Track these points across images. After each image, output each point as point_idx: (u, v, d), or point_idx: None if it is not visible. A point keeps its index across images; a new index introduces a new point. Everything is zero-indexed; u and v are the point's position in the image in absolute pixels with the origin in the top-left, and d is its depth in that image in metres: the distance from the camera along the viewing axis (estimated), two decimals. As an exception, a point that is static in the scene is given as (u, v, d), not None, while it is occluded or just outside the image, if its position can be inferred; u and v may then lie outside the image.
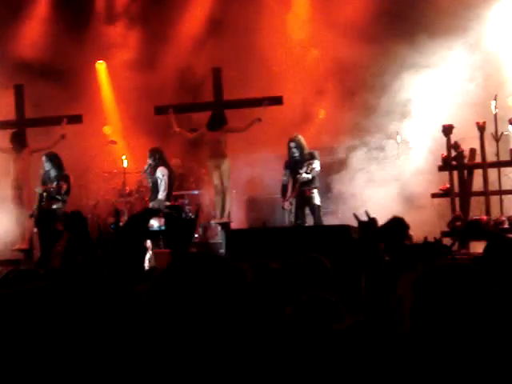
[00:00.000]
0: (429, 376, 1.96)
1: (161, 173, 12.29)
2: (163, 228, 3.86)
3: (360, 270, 3.54)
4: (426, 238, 4.33)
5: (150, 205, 12.15)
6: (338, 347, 2.03)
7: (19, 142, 13.10)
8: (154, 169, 12.36)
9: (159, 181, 12.26)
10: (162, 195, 12.21)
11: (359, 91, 13.06)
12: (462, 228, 10.12)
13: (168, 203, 12.10)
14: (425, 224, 9.43)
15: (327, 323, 2.43)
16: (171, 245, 4.64)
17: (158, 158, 12.41)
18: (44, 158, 12.29)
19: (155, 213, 5.12)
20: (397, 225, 4.06)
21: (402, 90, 12.50)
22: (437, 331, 2.00)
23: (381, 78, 12.57)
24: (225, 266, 2.14)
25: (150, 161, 12.43)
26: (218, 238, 13.07)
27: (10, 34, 14.44)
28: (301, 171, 11.36)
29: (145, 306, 2.14)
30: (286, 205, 11.52)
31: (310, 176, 11.36)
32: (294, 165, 11.63)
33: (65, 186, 12.09)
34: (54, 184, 12.07)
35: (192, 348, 2.00)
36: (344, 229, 8.27)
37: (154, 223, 10.17)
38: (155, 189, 12.31)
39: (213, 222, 13.11)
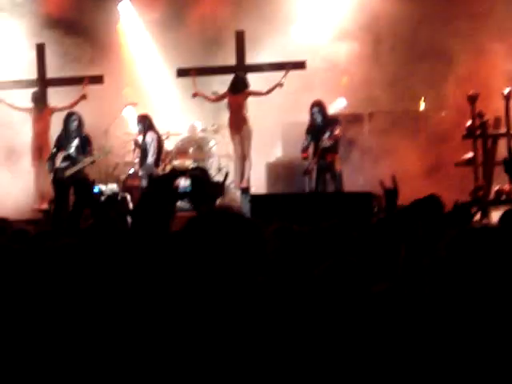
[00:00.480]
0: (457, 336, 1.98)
1: (150, 137, 12.40)
2: (189, 189, 3.83)
3: (393, 240, 3.55)
4: (457, 202, 4.27)
5: (140, 172, 12.31)
6: (379, 308, 2.01)
7: (40, 102, 13.16)
8: (143, 135, 12.47)
9: (148, 146, 12.38)
10: (150, 160, 12.35)
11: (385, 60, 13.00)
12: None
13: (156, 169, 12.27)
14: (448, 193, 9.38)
15: (357, 287, 2.42)
16: (197, 206, 4.61)
17: (148, 124, 12.51)
18: (70, 118, 12.26)
19: (181, 174, 5.09)
20: (434, 204, 4.03)
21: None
22: (467, 295, 2.00)
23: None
24: (245, 223, 2.20)
25: (139, 127, 12.59)
26: (238, 202, 13.07)
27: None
28: (323, 137, 11.34)
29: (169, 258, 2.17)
30: (310, 164, 11.50)
31: (331, 142, 11.35)
32: (316, 130, 11.64)
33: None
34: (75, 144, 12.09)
35: (210, 300, 2.05)
36: (366, 196, 8.23)
37: (181, 184, 10.18)
38: (144, 154, 12.41)
39: (233, 186, 13.11)
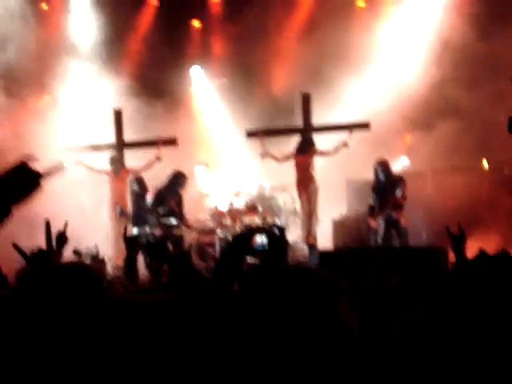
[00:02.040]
0: None
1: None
2: (266, 247, 4.11)
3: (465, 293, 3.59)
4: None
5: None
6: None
7: (117, 164, 13.80)
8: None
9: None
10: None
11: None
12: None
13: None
14: None
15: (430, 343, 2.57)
16: (272, 263, 4.94)
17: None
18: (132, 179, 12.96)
19: (260, 231, 5.44)
20: (507, 261, 4.03)
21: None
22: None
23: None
24: (325, 280, 2.40)
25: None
26: (305, 258, 13.38)
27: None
28: (396, 193, 11.68)
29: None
30: (374, 223, 11.85)
31: (403, 201, 11.72)
32: (381, 188, 11.96)
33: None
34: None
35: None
36: (433, 251, 8.38)
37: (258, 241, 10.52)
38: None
39: (299, 242, 13.45)
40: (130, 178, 13.35)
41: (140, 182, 13.12)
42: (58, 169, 2.28)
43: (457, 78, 13.00)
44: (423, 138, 13.58)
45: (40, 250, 3.93)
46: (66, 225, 4.07)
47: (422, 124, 13.82)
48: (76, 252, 10.13)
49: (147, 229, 12.56)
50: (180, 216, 12.75)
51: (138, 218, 12.81)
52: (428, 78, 13.57)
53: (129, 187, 13.39)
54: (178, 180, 12.85)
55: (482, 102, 12.70)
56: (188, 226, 12.87)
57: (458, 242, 4.25)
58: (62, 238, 4.08)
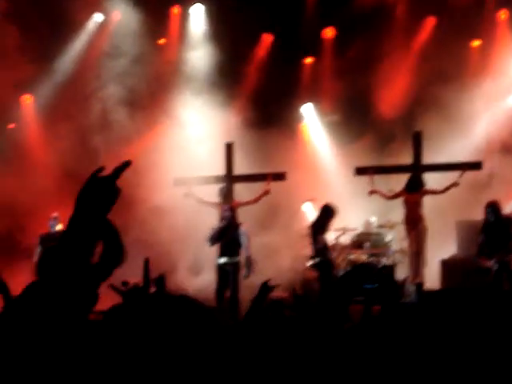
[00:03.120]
0: None
1: None
2: (375, 286, 4.14)
3: None
4: None
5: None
6: None
7: (227, 197, 13.86)
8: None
9: None
10: None
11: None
12: None
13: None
14: None
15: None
16: (382, 301, 4.99)
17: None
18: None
19: (368, 270, 5.51)
20: None
21: None
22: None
23: None
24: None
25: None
26: (412, 298, 13.22)
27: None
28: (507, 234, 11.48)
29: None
30: (488, 263, 11.61)
31: None
32: (491, 229, 11.76)
33: None
34: None
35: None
36: None
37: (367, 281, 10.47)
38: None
39: (407, 282, 13.30)
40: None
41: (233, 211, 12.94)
42: (124, 166, 2.35)
43: None
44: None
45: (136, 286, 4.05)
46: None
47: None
48: None
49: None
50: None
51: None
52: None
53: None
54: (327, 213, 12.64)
55: None
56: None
57: None
58: (163, 280, 4.18)
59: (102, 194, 2.51)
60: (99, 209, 2.38)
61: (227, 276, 12.02)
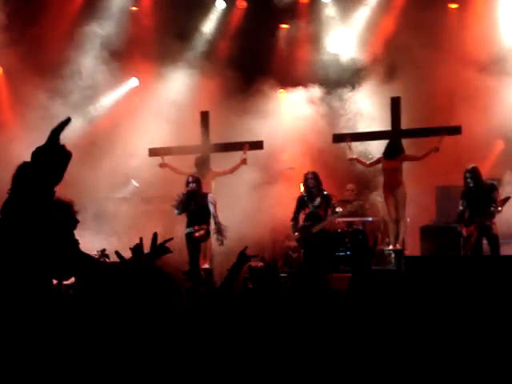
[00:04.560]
0: None
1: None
2: (348, 252, 4.03)
3: None
4: None
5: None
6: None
7: (204, 167, 13.76)
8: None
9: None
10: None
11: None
12: None
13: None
14: None
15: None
16: (355, 268, 4.84)
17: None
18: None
19: (340, 238, 5.39)
20: None
21: None
22: None
23: None
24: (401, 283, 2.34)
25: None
26: (391, 265, 13.15)
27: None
28: (493, 206, 11.35)
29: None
30: (465, 231, 11.53)
31: (500, 209, 11.37)
32: (470, 195, 11.66)
33: None
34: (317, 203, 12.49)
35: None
36: None
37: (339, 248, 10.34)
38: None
39: (386, 248, 13.21)
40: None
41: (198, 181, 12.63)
42: (64, 123, 2.24)
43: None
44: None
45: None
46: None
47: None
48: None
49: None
50: None
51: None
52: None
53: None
54: None
55: None
56: None
57: None
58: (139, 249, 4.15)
59: (52, 160, 2.38)
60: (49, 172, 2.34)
61: (198, 245, 12.00)
